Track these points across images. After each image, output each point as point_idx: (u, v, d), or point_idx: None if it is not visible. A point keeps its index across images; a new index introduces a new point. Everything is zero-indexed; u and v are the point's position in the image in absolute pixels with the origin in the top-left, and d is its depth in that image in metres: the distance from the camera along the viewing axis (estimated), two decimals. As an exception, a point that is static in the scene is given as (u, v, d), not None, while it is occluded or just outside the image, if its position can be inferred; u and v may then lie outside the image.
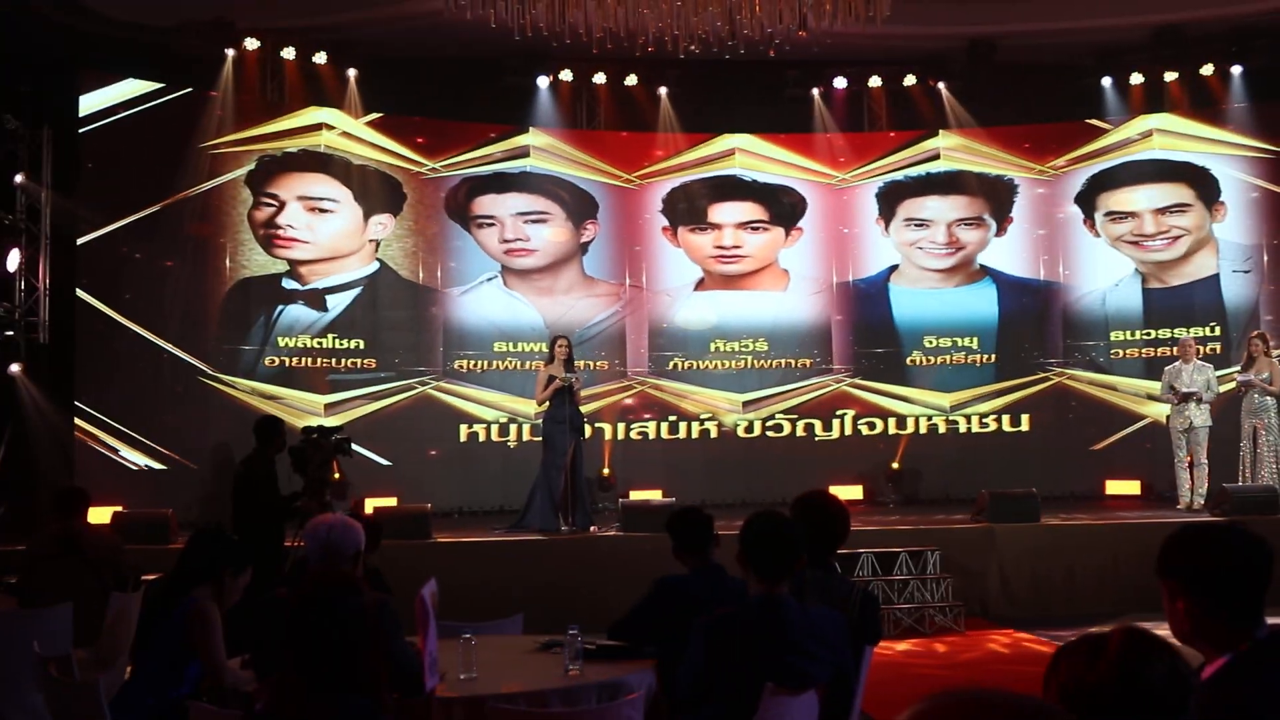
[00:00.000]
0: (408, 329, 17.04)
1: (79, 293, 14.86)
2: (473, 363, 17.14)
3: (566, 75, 17.40)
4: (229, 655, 5.85)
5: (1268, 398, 14.60)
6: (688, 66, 16.72)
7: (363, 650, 3.87)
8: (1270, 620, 3.37)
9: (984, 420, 17.87)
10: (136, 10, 15.07)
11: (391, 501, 14.92)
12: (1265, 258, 17.34)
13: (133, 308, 15.15)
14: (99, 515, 11.69)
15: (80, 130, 15.10)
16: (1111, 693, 2.48)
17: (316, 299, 16.45)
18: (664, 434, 17.62)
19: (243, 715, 4.90)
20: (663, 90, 17.69)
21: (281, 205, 16.30)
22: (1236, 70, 17.30)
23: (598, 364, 17.37)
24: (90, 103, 15.19)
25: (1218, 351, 16.93)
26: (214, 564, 6.07)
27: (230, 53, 15.81)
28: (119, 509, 13.04)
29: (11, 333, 14.70)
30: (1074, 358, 17.89)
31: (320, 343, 16.39)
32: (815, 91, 18.06)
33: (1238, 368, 15.26)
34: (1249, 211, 17.46)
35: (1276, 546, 3.43)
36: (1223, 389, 15.17)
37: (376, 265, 16.88)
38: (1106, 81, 17.85)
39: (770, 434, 17.79)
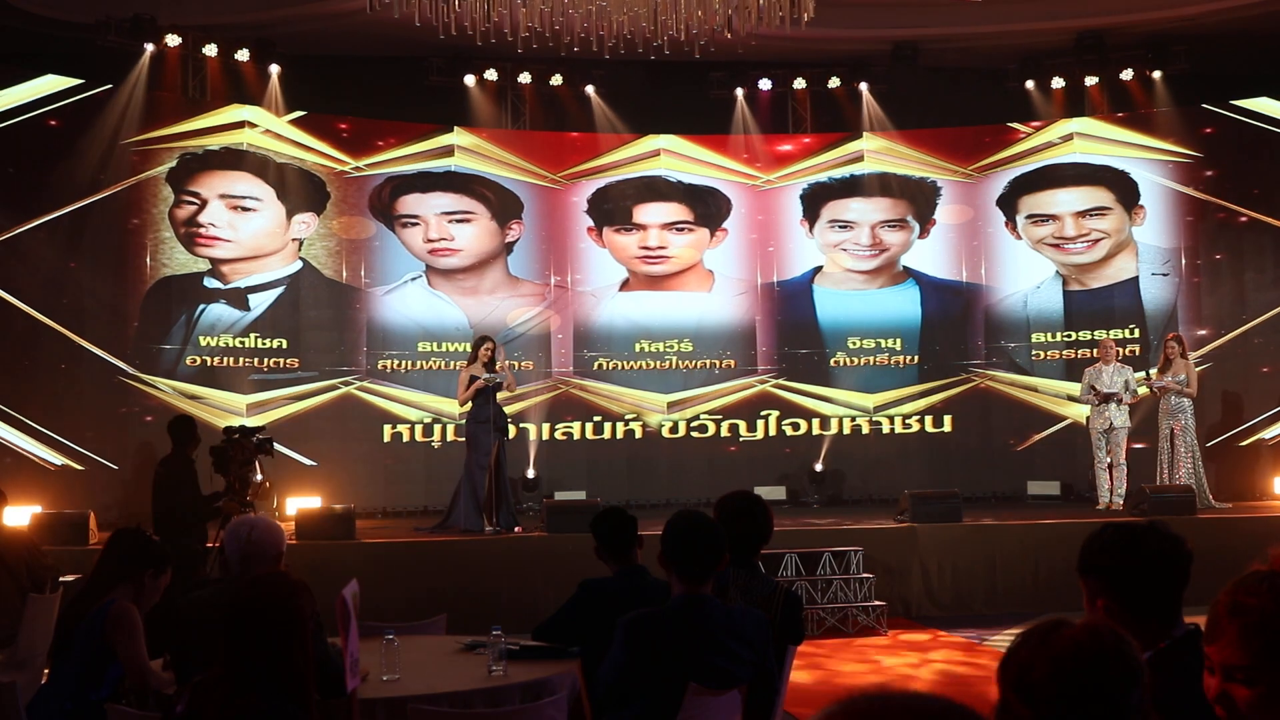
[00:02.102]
0: (331, 328, 16.94)
1: (-4, 291, 14.70)
2: (397, 363, 17.06)
3: (492, 75, 17.36)
4: (150, 657, 5.80)
5: (1184, 399, 14.80)
6: (613, 67, 16.73)
7: (298, 653, 3.85)
8: (1188, 619, 3.41)
9: (907, 421, 17.98)
10: (55, 5, 14.90)
11: (315, 502, 14.83)
12: (1183, 261, 17.55)
13: (52, 306, 14.96)
14: (16, 516, 11.54)
15: (-3, 126, 14.94)
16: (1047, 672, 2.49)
17: (238, 298, 16.31)
18: (588, 434, 17.61)
19: (163, 718, 4.85)
20: (588, 90, 17.69)
21: (203, 203, 16.16)
22: (1156, 75, 17.49)
23: (522, 364, 17.32)
24: (7, 99, 14.99)
25: (1136, 353, 17.12)
26: (134, 565, 6.01)
27: (151, 49, 15.65)
28: (37, 509, 12.88)
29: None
30: (995, 359, 18.03)
31: (242, 342, 16.25)
32: (740, 93, 18.10)
33: (1153, 370, 15.46)
34: (1167, 215, 17.65)
35: (1194, 546, 3.47)
36: (1141, 391, 15.35)
37: (299, 264, 16.77)
38: (1028, 85, 18.00)
39: (694, 435, 17.82)
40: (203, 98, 16.41)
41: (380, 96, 17.13)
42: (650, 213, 18.08)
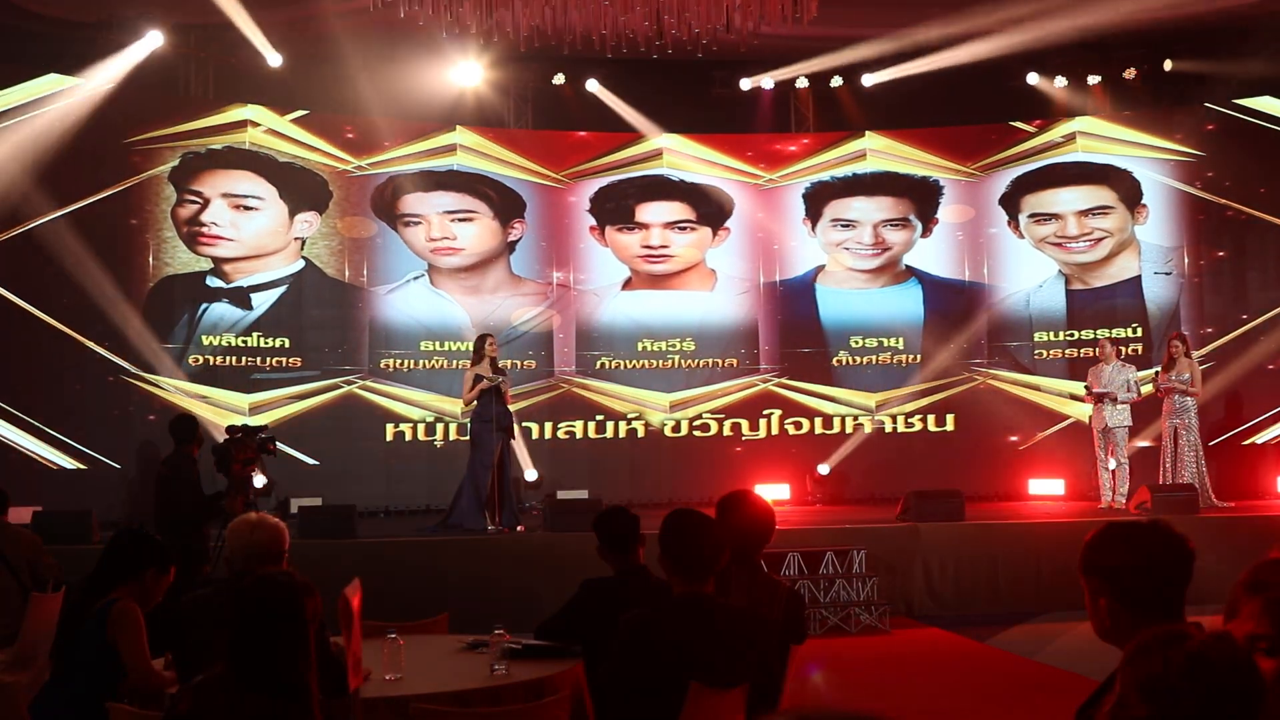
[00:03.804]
0: (333, 327, 16.94)
1: (-2, 290, 14.71)
2: (399, 362, 17.06)
3: (494, 74, 17.34)
4: (151, 656, 5.80)
5: (1188, 399, 14.79)
6: (615, 66, 16.72)
7: (301, 652, 3.85)
8: (1190, 619, 3.40)
9: (909, 420, 17.98)
10: (57, 3, 14.89)
11: (317, 501, 14.81)
12: (1185, 260, 17.55)
13: (54, 306, 14.96)
14: (18, 515, 11.54)
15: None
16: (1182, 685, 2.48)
17: (241, 297, 16.32)
18: (591, 433, 17.61)
19: (164, 717, 4.85)
20: (591, 89, 17.66)
21: (206, 202, 16.17)
22: (1158, 74, 17.47)
23: (525, 363, 17.34)
24: (9, 98, 14.99)
25: (1139, 352, 17.13)
26: (136, 564, 6.02)
27: (154, 46, 15.62)
28: (39, 509, 12.87)
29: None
30: (998, 357, 18.02)
31: (245, 341, 16.26)
32: (742, 91, 18.07)
33: (1157, 369, 15.45)
34: (1170, 214, 17.65)
35: (1196, 545, 3.46)
36: (1145, 390, 15.35)
37: (302, 263, 16.77)
38: (1031, 84, 17.97)
39: (697, 434, 17.81)
40: (205, 96, 16.41)
41: (383, 95, 17.12)
42: (652, 212, 18.07)
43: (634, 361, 17.80)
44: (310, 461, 16.22)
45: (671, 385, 17.88)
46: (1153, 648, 2.55)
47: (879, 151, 18.24)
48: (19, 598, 8.41)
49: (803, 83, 18.17)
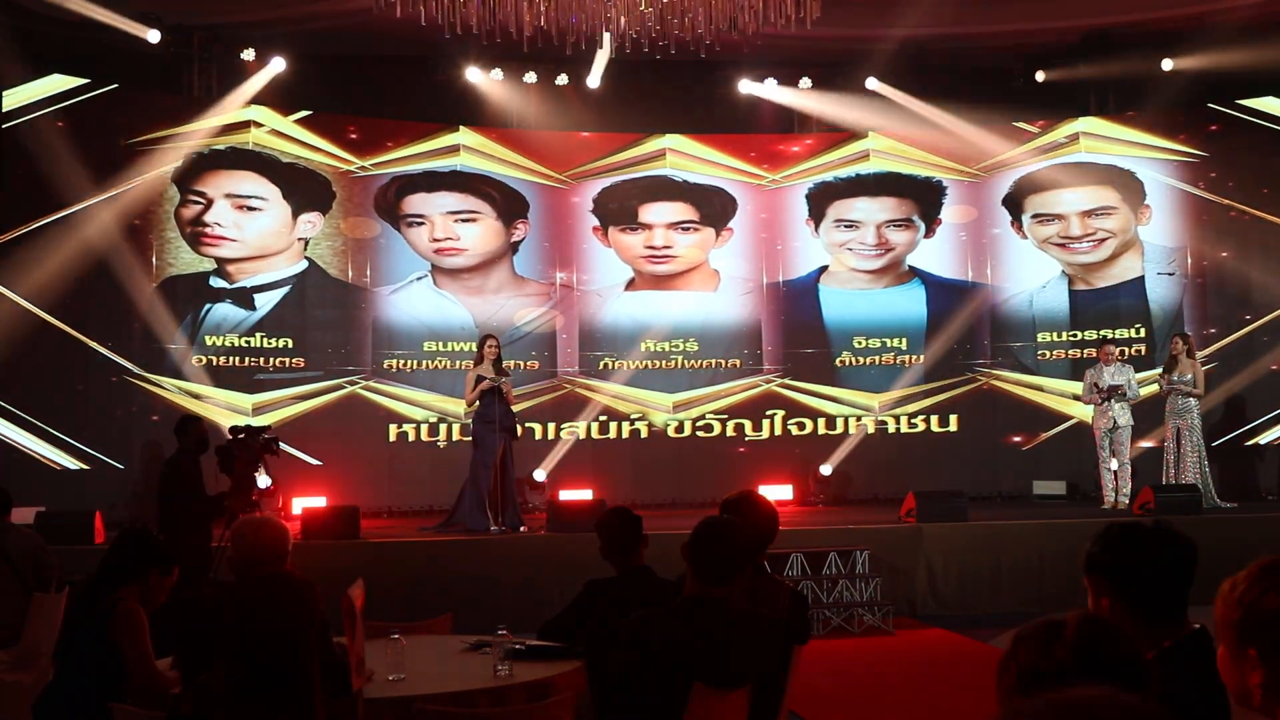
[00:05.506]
0: (336, 328, 16.93)
1: (1, 290, 14.67)
2: (402, 362, 17.06)
3: (497, 74, 17.32)
4: (155, 656, 5.80)
5: (1190, 399, 14.79)
6: (619, 66, 16.70)
7: (304, 652, 3.85)
8: (1194, 619, 3.41)
9: (912, 421, 17.96)
10: (61, 4, 14.88)
11: (320, 501, 14.83)
12: (1189, 260, 17.54)
13: (57, 306, 14.95)
14: (21, 515, 11.54)
15: (2, 126, 14.89)
16: (1068, 676, 2.48)
17: (244, 298, 16.32)
18: (594, 434, 17.59)
19: (167, 718, 4.85)
20: (594, 89, 17.63)
21: (209, 203, 16.17)
22: (1161, 74, 17.43)
23: (528, 364, 17.32)
24: (14, 98, 15.00)
25: (1142, 353, 17.14)
26: (140, 564, 6.02)
27: (157, 47, 15.62)
28: (42, 509, 12.86)
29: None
30: (1001, 358, 18.01)
31: (248, 342, 16.26)
32: (745, 92, 18.05)
33: (1159, 369, 15.46)
34: (1173, 214, 17.64)
35: (1199, 545, 3.47)
36: (1144, 390, 15.36)
37: (305, 264, 16.76)
38: (1034, 84, 17.95)
39: (700, 434, 17.79)
40: (208, 97, 16.42)
41: (386, 96, 17.13)
42: (656, 212, 18.06)
43: (637, 362, 17.77)
44: (313, 462, 16.21)
45: (675, 386, 17.86)
46: (1032, 638, 2.55)
47: (882, 152, 18.22)
48: (22, 598, 8.41)
49: (806, 83, 18.15)
